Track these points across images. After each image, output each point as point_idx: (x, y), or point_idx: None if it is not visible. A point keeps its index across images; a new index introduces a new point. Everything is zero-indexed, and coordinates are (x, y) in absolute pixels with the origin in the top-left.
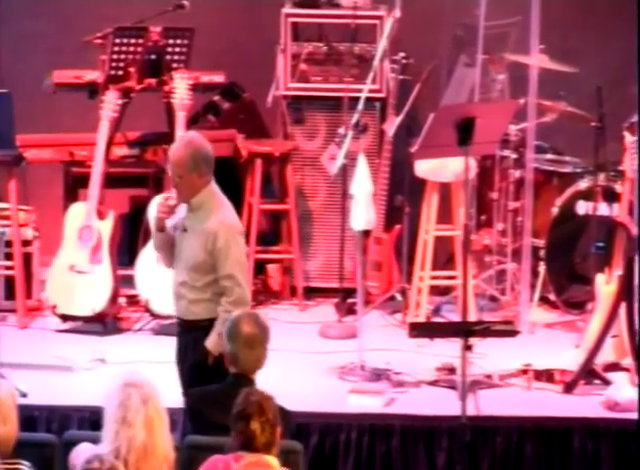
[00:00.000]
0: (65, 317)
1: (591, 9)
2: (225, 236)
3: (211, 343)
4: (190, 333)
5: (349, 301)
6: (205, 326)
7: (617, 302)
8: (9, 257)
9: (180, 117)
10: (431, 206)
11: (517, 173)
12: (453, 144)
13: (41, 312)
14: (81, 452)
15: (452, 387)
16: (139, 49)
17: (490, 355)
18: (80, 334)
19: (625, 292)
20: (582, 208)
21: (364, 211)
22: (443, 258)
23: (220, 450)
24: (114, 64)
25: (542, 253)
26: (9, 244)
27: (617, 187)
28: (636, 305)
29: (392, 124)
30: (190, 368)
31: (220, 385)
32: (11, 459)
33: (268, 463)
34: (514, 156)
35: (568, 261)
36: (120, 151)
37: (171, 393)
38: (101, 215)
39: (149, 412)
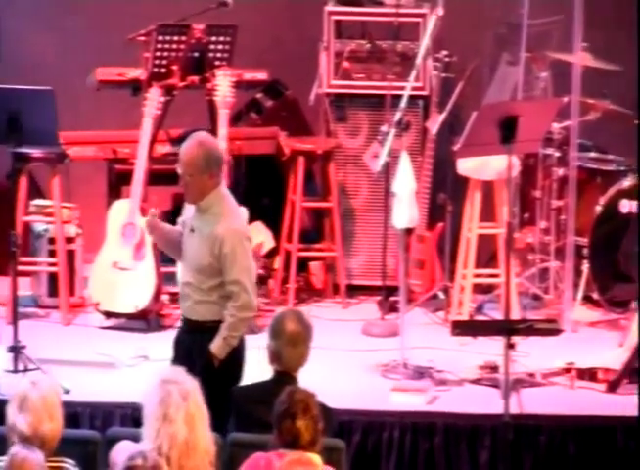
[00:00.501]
0: (108, 314)
1: (634, 6)
2: (232, 242)
3: (216, 347)
4: (194, 334)
5: (392, 298)
6: (210, 328)
7: None
8: (52, 253)
9: (223, 115)
10: (473, 204)
11: (560, 171)
12: (496, 142)
13: (84, 309)
14: (122, 450)
15: (495, 385)
16: (182, 46)
17: (533, 354)
18: (123, 331)
19: None
20: (626, 206)
21: (407, 208)
22: (486, 256)
23: (263, 448)
24: (157, 61)
25: (586, 251)
26: (52, 241)
27: None
28: None
29: (435, 122)
30: (198, 374)
31: (263, 382)
32: (55, 457)
33: (311, 461)
34: (557, 154)
35: (611, 260)
36: (163, 148)
37: None
38: (144, 213)
39: (189, 408)
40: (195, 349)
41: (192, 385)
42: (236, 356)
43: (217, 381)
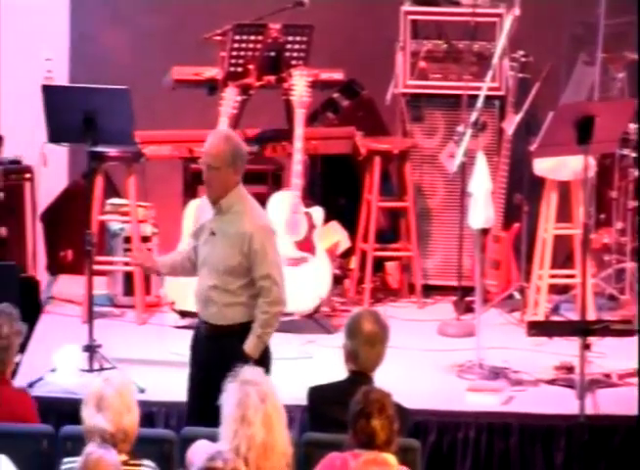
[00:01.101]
0: (183, 313)
1: None
2: (261, 237)
3: (250, 346)
4: (221, 339)
5: (468, 299)
6: (237, 331)
7: None
8: (128, 252)
9: (299, 115)
10: (550, 204)
11: (636, 172)
12: (572, 142)
13: (160, 308)
14: (199, 449)
15: (570, 386)
16: (258, 46)
17: (609, 354)
18: None
19: None
20: None
21: (483, 209)
22: (562, 256)
23: (338, 447)
24: (233, 60)
25: None
26: (128, 240)
27: None
28: None
29: (512, 123)
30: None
31: (338, 382)
32: (135, 459)
33: (386, 461)
34: (633, 154)
35: None
36: None
37: (289, 389)
38: None
39: (267, 410)
40: (226, 353)
41: (270, 386)
42: (264, 354)
43: None
